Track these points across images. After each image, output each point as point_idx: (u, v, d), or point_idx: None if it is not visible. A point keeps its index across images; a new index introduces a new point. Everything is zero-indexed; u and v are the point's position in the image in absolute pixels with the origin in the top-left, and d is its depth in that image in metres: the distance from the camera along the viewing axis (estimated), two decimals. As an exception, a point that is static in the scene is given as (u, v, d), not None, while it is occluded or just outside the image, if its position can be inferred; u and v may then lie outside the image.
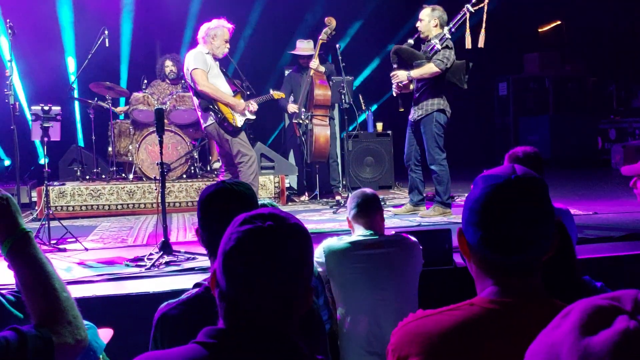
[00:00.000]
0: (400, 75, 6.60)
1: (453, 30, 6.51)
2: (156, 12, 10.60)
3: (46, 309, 1.52)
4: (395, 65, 6.67)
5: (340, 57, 7.82)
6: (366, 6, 11.54)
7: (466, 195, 1.55)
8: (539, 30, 14.41)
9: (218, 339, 1.36)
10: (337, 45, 7.96)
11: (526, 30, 13.66)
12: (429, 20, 6.54)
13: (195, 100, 6.51)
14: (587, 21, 13.08)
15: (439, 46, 6.40)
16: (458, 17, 6.48)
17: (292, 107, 8.39)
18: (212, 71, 6.45)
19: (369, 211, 3.61)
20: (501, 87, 13.31)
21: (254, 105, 6.68)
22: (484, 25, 6.42)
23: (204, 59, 6.39)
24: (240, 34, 11.11)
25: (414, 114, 6.69)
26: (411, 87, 6.72)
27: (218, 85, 6.46)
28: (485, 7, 6.39)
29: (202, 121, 6.52)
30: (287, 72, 9.37)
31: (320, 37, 7.81)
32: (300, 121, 8.15)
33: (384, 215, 3.78)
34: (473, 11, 6.42)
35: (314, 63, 7.95)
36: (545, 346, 0.87)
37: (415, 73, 6.51)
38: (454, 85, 6.54)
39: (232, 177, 6.36)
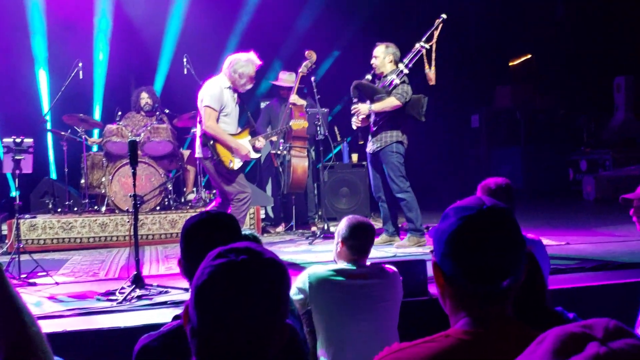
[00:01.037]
0: (362, 109, 6.79)
1: (410, 66, 6.73)
2: (131, 45, 10.61)
3: (15, 343, 1.49)
4: (355, 100, 6.85)
5: (315, 89, 7.88)
6: (342, 38, 11.67)
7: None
8: (510, 63, 14.67)
9: None
10: (312, 78, 8.02)
11: (498, 64, 13.90)
12: (383, 57, 6.79)
13: (198, 130, 6.40)
14: (557, 54, 13.36)
15: (397, 81, 6.64)
16: (413, 54, 6.71)
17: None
18: (227, 109, 6.27)
19: (360, 241, 3.62)
20: (473, 119, 13.49)
21: (260, 142, 6.56)
22: (433, 63, 6.66)
23: (220, 97, 6.20)
24: (216, 65, 11.15)
25: (372, 146, 6.85)
26: (369, 121, 6.90)
27: (228, 122, 6.31)
28: (434, 47, 6.66)
29: (200, 151, 6.34)
30: (262, 105, 9.40)
31: (300, 70, 7.84)
32: (279, 152, 8.14)
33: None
34: (428, 47, 6.68)
35: (293, 97, 7.97)
36: None
37: (377, 107, 6.68)
38: (412, 118, 6.73)
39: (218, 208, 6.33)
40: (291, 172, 7.95)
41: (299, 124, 7.41)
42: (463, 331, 1.48)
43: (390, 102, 6.62)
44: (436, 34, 6.70)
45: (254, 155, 6.56)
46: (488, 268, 1.47)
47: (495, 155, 13.04)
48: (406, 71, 6.69)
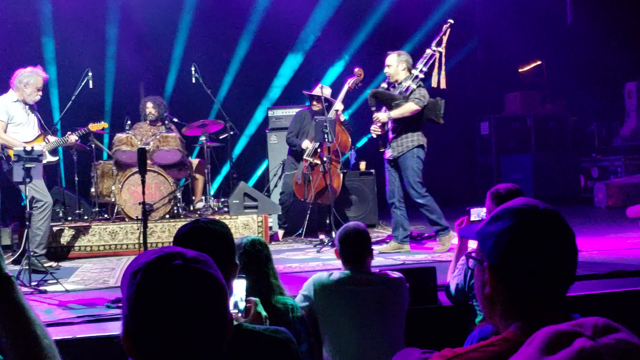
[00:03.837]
0: (381, 117, 6.84)
1: (425, 69, 6.83)
2: (140, 54, 10.66)
3: (26, 356, 1.49)
4: (373, 108, 6.91)
5: (323, 97, 7.86)
6: (350, 45, 11.67)
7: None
8: (520, 70, 14.62)
9: None
10: (320, 85, 8.00)
11: (507, 71, 13.86)
12: (397, 65, 6.88)
13: None
14: (567, 61, 13.30)
15: (413, 86, 6.74)
16: (426, 59, 6.84)
17: (306, 144, 8.24)
18: (15, 119, 6.68)
19: (351, 249, 3.61)
20: (483, 126, 13.44)
21: (49, 145, 6.84)
22: (443, 68, 6.80)
23: (6, 109, 6.64)
24: (224, 74, 11.18)
25: (392, 152, 6.87)
26: (385, 128, 6.95)
27: (22, 132, 6.70)
28: (444, 52, 6.81)
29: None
30: (272, 112, 9.38)
31: (348, 86, 7.88)
32: (318, 161, 7.96)
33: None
34: (442, 51, 6.80)
35: (339, 105, 7.95)
36: None
37: (396, 113, 6.71)
38: (430, 121, 6.82)
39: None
40: (328, 185, 7.74)
41: (96, 125, 7.79)
42: (522, 334, 1.42)
43: (408, 107, 6.68)
44: (445, 38, 6.83)
45: (50, 158, 6.90)
46: (556, 270, 1.45)
47: (505, 163, 12.97)
48: (421, 76, 6.79)
